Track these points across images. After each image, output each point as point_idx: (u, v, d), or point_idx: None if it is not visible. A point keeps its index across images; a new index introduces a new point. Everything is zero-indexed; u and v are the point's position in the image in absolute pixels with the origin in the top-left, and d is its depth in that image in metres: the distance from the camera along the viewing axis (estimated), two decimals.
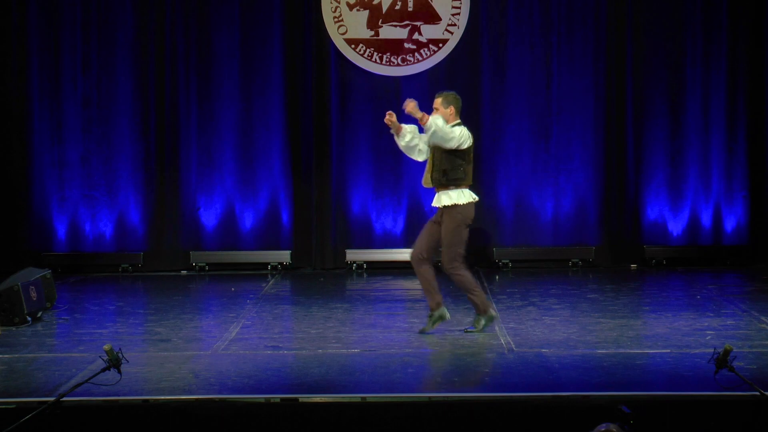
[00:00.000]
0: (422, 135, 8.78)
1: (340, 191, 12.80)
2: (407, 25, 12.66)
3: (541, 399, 6.62)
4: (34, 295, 9.35)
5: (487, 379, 7.24)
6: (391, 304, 10.46)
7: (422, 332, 8.66)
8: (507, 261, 12.74)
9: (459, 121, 8.65)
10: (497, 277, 12.10)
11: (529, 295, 10.64)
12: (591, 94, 12.78)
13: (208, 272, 12.63)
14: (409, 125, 8.82)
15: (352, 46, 12.64)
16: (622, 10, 12.71)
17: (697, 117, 12.79)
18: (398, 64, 12.66)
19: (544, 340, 8.40)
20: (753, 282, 11.60)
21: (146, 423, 6.49)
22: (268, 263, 12.68)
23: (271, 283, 11.84)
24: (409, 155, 8.97)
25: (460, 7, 12.64)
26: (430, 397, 6.72)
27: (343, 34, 12.63)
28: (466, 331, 8.65)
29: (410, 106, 8.51)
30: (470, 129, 8.73)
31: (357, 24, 12.62)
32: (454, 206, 8.56)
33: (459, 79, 12.67)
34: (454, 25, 12.65)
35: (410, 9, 12.65)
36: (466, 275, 8.60)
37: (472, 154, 8.71)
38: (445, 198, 8.58)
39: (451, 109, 8.61)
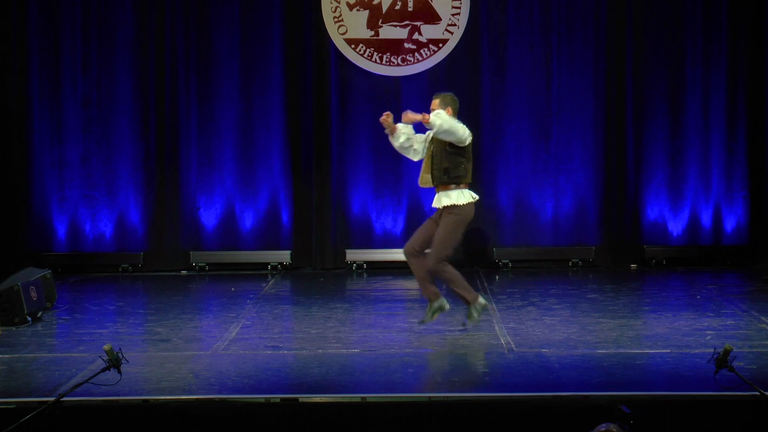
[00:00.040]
0: (417, 135, 8.81)
1: (340, 191, 12.81)
2: (407, 25, 12.66)
3: (541, 399, 6.62)
4: (34, 295, 9.35)
5: (487, 379, 7.25)
6: (391, 304, 10.46)
7: (421, 323, 8.68)
8: (507, 261, 12.74)
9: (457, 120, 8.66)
10: (497, 277, 12.10)
11: (529, 295, 10.64)
12: (591, 94, 12.78)
13: (208, 272, 12.63)
14: (404, 125, 8.83)
15: (352, 46, 12.64)
16: (622, 10, 12.71)
17: (697, 117, 12.79)
18: (398, 64, 12.66)
19: (544, 340, 8.40)
20: (753, 282, 11.60)
21: (146, 423, 6.49)
22: (268, 263, 12.69)
23: (271, 283, 11.84)
24: (404, 155, 8.99)
25: (460, 7, 12.64)
26: (430, 397, 6.72)
27: (343, 34, 12.64)
28: (464, 325, 8.66)
29: (407, 117, 8.54)
30: (470, 129, 8.74)
31: (357, 24, 12.62)
32: (454, 206, 8.57)
33: (459, 79, 12.68)
34: (454, 25, 12.65)
35: (410, 9, 12.65)
36: (450, 270, 8.63)
37: (471, 152, 8.72)
38: (445, 199, 8.58)
39: (449, 111, 8.62)
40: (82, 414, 6.46)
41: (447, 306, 8.71)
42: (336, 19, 12.62)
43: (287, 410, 6.56)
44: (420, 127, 8.81)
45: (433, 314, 8.68)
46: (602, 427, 5.14)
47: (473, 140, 8.81)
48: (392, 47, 12.65)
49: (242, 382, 7.06)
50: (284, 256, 12.70)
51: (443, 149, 8.57)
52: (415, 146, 8.82)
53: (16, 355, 8.00)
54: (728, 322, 9.11)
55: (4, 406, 6.44)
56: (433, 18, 12.65)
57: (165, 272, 12.61)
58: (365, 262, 12.72)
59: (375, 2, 12.64)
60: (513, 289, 11.16)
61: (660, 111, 12.80)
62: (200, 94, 12.72)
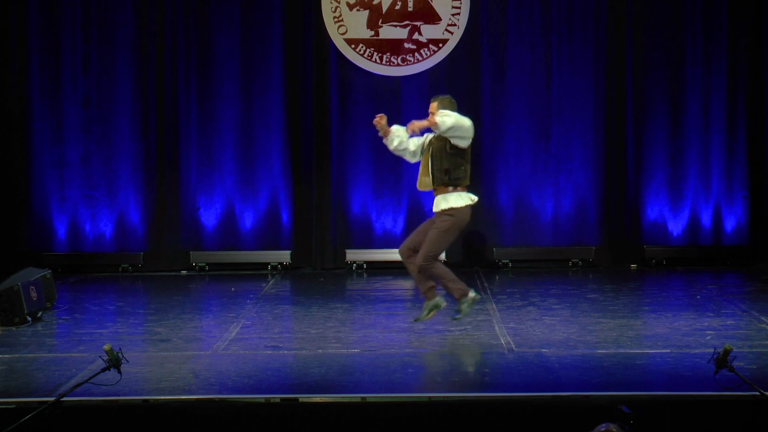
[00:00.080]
0: (413, 139, 8.81)
1: (340, 191, 12.81)
2: (407, 25, 12.66)
3: (541, 399, 6.62)
4: (34, 295, 9.35)
5: (487, 379, 7.24)
6: (391, 304, 10.46)
7: (417, 320, 8.70)
8: (507, 261, 12.74)
9: None
10: (497, 277, 12.10)
11: (529, 295, 10.64)
12: (591, 94, 12.78)
13: (208, 272, 12.63)
14: (399, 128, 8.85)
15: (352, 46, 12.64)
16: (622, 10, 12.71)
17: (697, 117, 12.79)
18: (398, 64, 12.66)
19: (544, 340, 8.40)
20: (753, 282, 11.60)
21: (146, 423, 6.50)
22: (268, 263, 12.69)
23: (271, 283, 11.84)
24: (402, 157, 9.01)
25: (460, 7, 12.64)
26: (430, 397, 6.72)
27: (343, 34, 12.63)
28: (454, 319, 8.66)
29: (414, 126, 8.55)
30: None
31: (357, 24, 12.62)
32: (451, 209, 8.57)
33: (459, 79, 12.68)
34: (454, 25, 12.65)
35: (410, 9, 12.65)
36: (439, 266, 8.65)
37: (470, 155, 8.72)
38: (443, 203, 8.59)
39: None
40: (82, 414, 6.46)
41: (443, 304, 8.72)
42: (336, 19, 12.62)
43: (287, 410, 6.56)
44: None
45: (429, 312, 8.69)
46: (602, 427, 5.14)
47: (473, 140, 8.81)
48: (392, 47, 12.65)
49: (242, 382, 7.06)
50: (284, 256, 12.70)
51: (443, 150, 8.57)
52: (411, 148, 8.83)
53: (16, 355, 8.01)
54: (728, 322, 9.11)
55: (4, 406, 6.44)
56: (433, 18, 12.65)
57: (165, 272, 12.61)
58: (365, 262, 12.72)
59: (375, 2, 12.64)
60: (513, 289, 11.16)
61: (660, 111, 12.80)
62: (200, 94, 12.72)
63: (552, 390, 6.79)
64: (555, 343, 8.23)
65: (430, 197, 9.01)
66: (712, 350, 6.48)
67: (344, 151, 12.80)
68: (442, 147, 8.57)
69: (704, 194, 12.81)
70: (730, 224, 12.82)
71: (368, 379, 7.27)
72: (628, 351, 8.00)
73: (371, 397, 6.64)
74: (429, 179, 8.66)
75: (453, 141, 8.52)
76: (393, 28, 12.65)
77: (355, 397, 6.66)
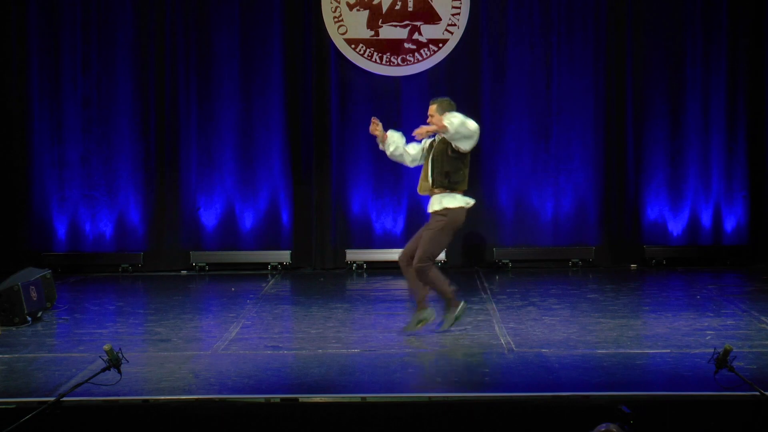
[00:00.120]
0: (411, 144, 8.80)
1: (340, 191, 12.80)
2: (407, 25, 12.66)
3: (541, 399, 6.62)
4: (34, 295, 9.35)
5: (487, 379, 7.24)
6: (391, 304, 10.45)
7: (405, 329, 8.65)
8: (507, 261, 12.74)
9: None
10: (497, 277, 12.10)
11: (529, 295, 10.64)
12: (591, 94, 12.78)
13: (208, 272, 12.63)
14: (394, 133, 8.84)
15: (352, 46, 12.64)
16: (622, 10, 12.71)
17: (697, 117, 12.79)
18: (398, 64, 12.66)
19: (544, 340, 8.40)
20: (753, 282, 11.60)
21: (146, 423, 6.49)
22: (268, 263, 12.69)
23: (271, 283, 11.84)
24: (399, 162, 8.99)
25: (460, 7, 12.64)
26: (430, 397, 6.72)
27: (343, 34, 12.63)
28: (442, 329, 8.63)
29: (422, 131, 8.54)
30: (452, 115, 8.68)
31: (357, 24, 12.62)
32: (445, 209, 8.55)
33: (459, 79, 12.68)
34: (454, 25, 12.65)
35: (410, 9, 12.65)
36: (435, 272, 8.60)
37: (469, 160, 8.71)
38: (437, 204, 8.59)
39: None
40: (82, 414, 6.46)
41: (432, 317, 8.65)
42: (336, 19, 12.62)
43: (287, 410, 6.56)
44: (410, 133, 8.85)
45: (417, 323, 8.64)
46: (602, 427, 5.14)
47: None
48: (392, 47, 12.65)
49: (242, 382, 7.06)
50: (284, 256, 12.70)
51: (445, 153, 8.56)
52: (411, 152, 8.82)
53: (16, 355, 8.00)
54: (728, 322, 9.11)
55: (4, 406, 6.44)
56: (433, 18, 12.65)
57: (165, 272, 12.61)
58: (365, 262, 12.72)
59: (375, 2, 12.64)
60: (513, 289, 11.16)
61: (660, 111, 12.80)
62: (200, 94, 12.72)
63: (552, 390, 6.79)
64: (555, 343, 8.23)
65: (428, 199, 9.00)
66: (712, 350, 6.48)
67: (344, 151, 12.80)
68: (443, 150, 8.57)
69: (704, 194, 12.81)
70: (730, 224, 12.82)
71: (368, 379, 7.27)
72: (628, 351, 8.00)
73: (371, 397, 6.64)
74: (430, 182, 8.64)
75: (457, 144, 8.49)
76: (393, 28, 12.65)
77: (355, 397, 6.65)
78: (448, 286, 8.66)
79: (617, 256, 12.84)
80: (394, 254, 12.32)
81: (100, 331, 9.04)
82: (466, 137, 8.50)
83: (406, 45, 12.65)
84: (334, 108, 12.73)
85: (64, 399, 6.36)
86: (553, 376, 7.22)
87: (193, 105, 12.72)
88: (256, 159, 12.78)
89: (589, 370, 7.41)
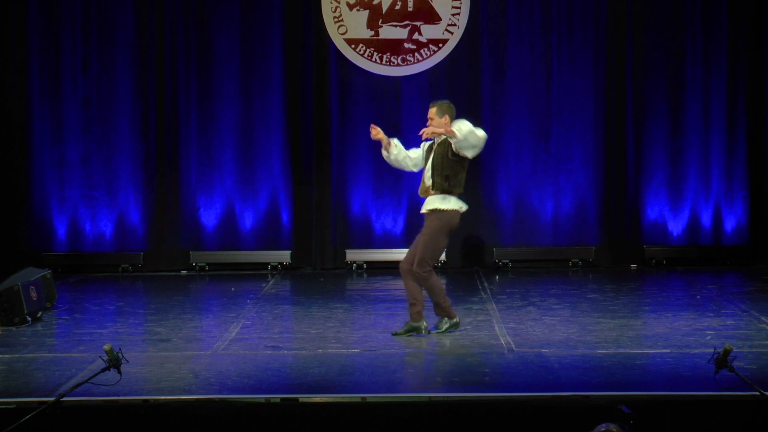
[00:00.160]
0: (413, 149, 8.80)
1: (340, 191, 12.81)
2: (407, 25, 12.66)
3: (541, 399, 6.62)
4: (34, 295, 9.35)
5: (487, 379, 7.24)
6: (391, 304, 10.45)
7: (394, 335, 8.60)
8: (507, 261, 12.74)
9: None
10: (497, 277, 12.10)
11: (529, 295, 10.64)
12: (591, 94, 12.79)
13: (208, 272, 12.63)
14: (395, 139, 8.84)
15: (352, 46, 12.64)
16: (622, 10, 12.71)
17: (697, 117, 12.79)
18: (398, 64, 12.66)
19: (544, 340, 8.40)
20: (753, 282, 11.60)
21: (146, 423, 6.49)
22: (268, 263, 12.69)
23: (271, 283, 11.84)
24: (401, 168, 8.98)
25: (460, 7, 12.64)
26: (430, 397, 6.71)
27: (343, 34, 12.63)
28: (429, 332, 8.61)
29: (428, 131, 8.53)
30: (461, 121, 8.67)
31: (357, 24, 12.62)
32: (438, 211, 8.54)
33: (459, 79, 12.68)
34: (454, 25, 12.65)
35: (410, 9, 12.65)
36: (435, 282, 8.56)
37: (468, 164, 8.69)
38: (429, 205, 8.58)
39: (446, 119, 8.58)
40: (82, 414, 6.45)
41: (424, 329, 8.61)
42: (336, 19, 12.62)
43: (287, 410, 6.56)
44: (416, 142, 8.84)
45: (408, 332, 8.61)
46: (602, 427, 5.14)
47: None
48: (392, 47, 12.65)
49: (242, 382, 7.06)
50: (284, 256, 12.71)
51: (445, 157, 8.55)
52: (412, 155, 8.82)
53: (16, 355, 8.00)
54: (728, 322, 9.11)
55: (4, 406, 6.44)
56: (433, 18, 12.65)
57: (165, 272, 12.62)
58: (365, 262, 12.72)
59: (375, 2, 12.64)
60: (513, 289, 11.16)
61: (660, 111, 12.80)
62: (200, 94, 12.72)
63: (552, 390, 6.78)
64: (555, 343, 8.23)
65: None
66: (712, 350, 6.47)
67: (344, 151, 12.80)
68: (443, 153, 8.56)
69: (704, 194, 12.82)
70: (730, 224, 12.82)
71: (368, 379, 7.27)
72: (628, 351, 8.00)
73: (371, 397, 6.64)
74: (429, 184, 8.63)
75: (464, 152, 8.48)
76: (393, 28, 12.65)
77: (355, 397, 6.65)
78: (445, 299, 8.64)
79: (617, 256, 12.84)
80: (394, 254, 12.40)
81: (100, 331, 9.04)
82: (473, 146, 8.49)
83: (406, 45, 12.65)
84: (334, 108, 12.73)
85: (64, 399, 6.36)
86: (553, 376, 7.22)
87: (193, 105, 12.72)
88: (256, 159, 12.78)
89: (589, 370, 7.41)
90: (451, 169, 8.55)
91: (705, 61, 12.76)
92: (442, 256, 12.04)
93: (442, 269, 12.45)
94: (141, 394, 6.71)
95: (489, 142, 12.51)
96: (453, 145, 8.45)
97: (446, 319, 8.63)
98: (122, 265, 12.68)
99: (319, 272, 12.64)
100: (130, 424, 6.49)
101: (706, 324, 9.00)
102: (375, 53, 12.64)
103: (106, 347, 6.40)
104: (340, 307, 10.09)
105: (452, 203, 8.57)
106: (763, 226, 12.77)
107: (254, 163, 12.78)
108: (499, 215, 12.82)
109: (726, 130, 12.80)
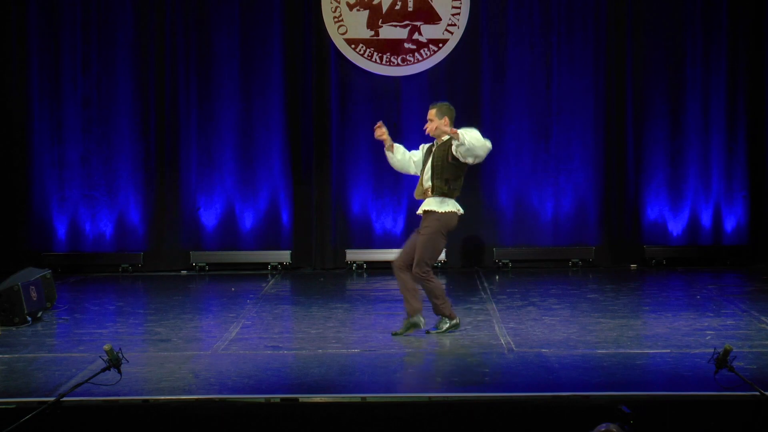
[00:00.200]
0: (414, 151, 8.80)
1: (340, 191, 12.81)
2: (407, 25, 12.66)
3: (541, 399, 6.62)
4: (34, 295, 9.35)
5: (487, 379, 7.24)
6: (391, 304, 10.44)
7: (395, 335, 8.61)
8: (507, 261, 12.74)
9: None
10: (497, 277, 12.10)
11: (529, 295, 10.64)
12: (591, 94, 12.79)
13: (208, 272, 12.63)
14: (398, 144, 8.85)
15: (352, 46, 12.64)
16: (622, 10, 12.71)
17: (697, 117, 12.79)
18: (398, 64, 12.66)
19: (544, 340, 8.40)
20: (753, 282, 11.60)
21: (146, 423, 6.49)
22: (268, 263, 12.69)
23: (271, 283, 11.84)
24: (404, 171, 8.97)
25: (460, 7, 12.64)
26: (430, 397, 6.71)
27: (343, 34, 12.63)
28: (428, 332, 8.61)
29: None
30: (469, 128, 8.68)
31: (357, 24, 12.62)
32: (434, 212, 8.54)
33: (459, 79, 12.68)
34: (454, 25, 12.65)
35: (410, 9, 12.65)
36: (435, 282, 8.57)
37: (466, 168, 8.70)
38: (426, 206, 8.58)
39: (446, 120, 8.58)
40: (82, 414, 6.45)
41: (422, 324, 8.61)
42: (336, 19, 12.62)
43: (287, 410, 6.56)
44: (416, 142, 8.84)
45: (407, 329, 8.62)
46: (602, 427, 5.14)
47: None
48: (392, 47, 12.65)
49: (242, 382, 7.06)
50: (284, 256, 12.71)
51: (444, 160, 8.55)
52: (414, 159, 8.82)
53: (16, 355, 8.00)
54: (728, 322, 9.11)
55: (4, 406, 6.44)
56: (433, 18, 12.65)
57: (165, 272, 12.62)
58: (365, 262, 12.72)
59: (375, 2, 12.64)
60: (513, 289, 11.16)
61: (660, 111, 12.80)
62: (200, 94, 12.72)
63: (552, 390, 6.78)
64: (555, 343, 8.23)
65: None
66: (712, 350, 6.47)
67: (344, 151, 12.80)
68: (443, 157, 8.55)
69: (704, 194, 12.82)
70: (730, 224, 12.82)
71: (368, 379, 7.27)
72: (628, 351, 8.00)
73: (371, 397, 6.64)
74: (428, 187, 8.61)
75: (466, 158, 8.48)
76: (393, 28, 12.65)
77: (355, 397, 6.65)
78: (445, 299, 8.64)
79: (617, 256, 12.84)
80: (394, 254, 12.22)
81: (100, 331, 9.04)
82: (475, 154, 8.48)
83: (406, 45, 12.65)
84: (334, 108, 12.73)
85: (64, 399, 6.36)
86: (553, 376, 7.22)
87: (193, 105, 12.72)
88: (256, 159, 12.78)
89: (589, 370, 7.41)
90: (450, 172, 8.55)
91: (705, 61, 12.77)
92: (442, 256, 12.04)
93: (442, 269, 12.45)
94: (141, 394, 6.71)
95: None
96: (454, 148, 8.44)
97: (446, 319, 8.64)
98: (122, 265, 12.68)
99: (319, 272, 12.64)
100: (130, 424, 6.49)
101: (706, 324, 9.00)
102: (375, 53, 12.64)
103: (106, 347, 6.40)
104: (340, 307, 10.09)
105: (451, 206, 8.57)
106: (763, 226, 12.77)
107: (254, 163, 12.78)
108: (499, 215, 12.82)
109: (726, 130, 12.80)
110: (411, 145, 8.94)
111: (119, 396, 6.56)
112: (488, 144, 8.50)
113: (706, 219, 12.82)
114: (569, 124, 12.79)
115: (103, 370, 6.43)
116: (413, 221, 12.36)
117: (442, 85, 12.51)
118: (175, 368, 7.46)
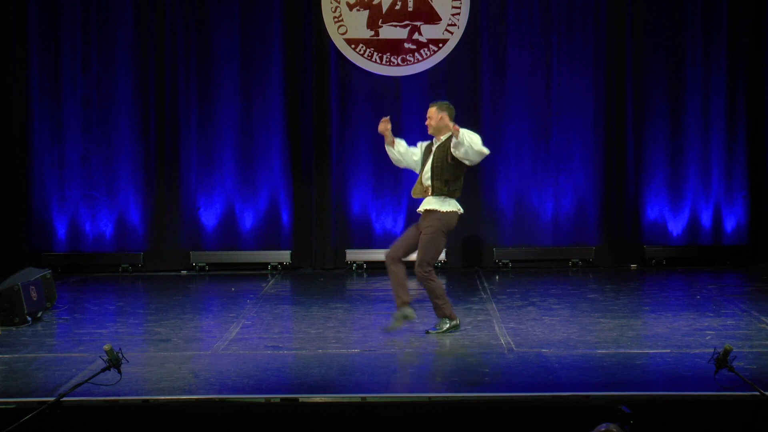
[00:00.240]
0: (412, 147, 8.79)
1: (340, 191, 12.81)
2: (407, 25, 12.66)
3: (541, 399, 6.62)
4: (34, 295, 9.35)
5: (487, 379, 7.24)
6: (391, 304, 10.36)
7: (387, 330, 8.63)
8: (507, 261, 12.74)
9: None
10: (497, 277, 12.10)
11: (529, 295, 10.64)
12: (591, 94, 12.79)
13: (208, 272, 12.63)
14: (399, 139, 8.85)
15: (352, 46, 12.64)
16: (622, 10, 12.71)
17: (697, 117, 12.79)
18: (398, 64, 12.66)
19: (544, 340, 8.40)
20: (753, 282, 11.61)
21: (146, 423, 6.49)
22: (268, 263, 12.69)
23: (271, 283, 11.84)
24: (404, 167, 8.97)
25: (460, 7, 12.64)
26: (430, 397, 6.71)
27: (343, 34, 12.64)
28: (428, 332, 8.62)
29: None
30: (470, 129, 8.70)
31: (357, 24, 12.62)
32: (436, 212, 8.55)
33: (459, 79, 12.68)
34: (454, 25, 12.65)
35: (410, 9, 12.65)
36: (436, 282, 8.58)
37: (466, 168, 8.71)
38: (428, 205, 8.58)
39: (445, 119, 8.59)
40: (82, 414, 6.46)
41: (413, 315, 8.62)
42: (336, 19, 12.62)
43: (287, 410, 6.56)
44: (413, 141, 8.84)
45: (398, 321, 8.63)
46: (602, 427, 5.14)
47: None
48: (392, 47, 12.65)
49: (242, 382, 7.06)
50: (284, 256, 12.71)
51: (444, 161, 8.55)
52: (414, 158, 8.82)
53: (16, 355, 8.00)
54: (728, 322, 9.11)
55: (4, 406, 6.44)
56: (433, 18, 12.65)
57: (165, 272, 12.62)
58: (365, 262, 12.72)
59: (375, 2, 12.64)
60: (513, 289, 11.16)
61: (660, 111, 12.80)
62: (200, 94, 12.72)
63: (552, 390, 6.79)
64: (555, 343, 8.23)
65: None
66: (712, 350, 6.48)
67: (344, 151, 12.81)
68: (443, 158, 8.56)
69: (704, 194, 12.82)
70: (730, 224, 12.82)
71: (368, 379, 7.27)
72: (628, 351, 8.00)
73: (371, 397, 6.64)
74: (427, 187, 8.61)
75: (460, 157, 8.49)
76: (393, 28, 12.65)
77: (355, 397, 6.65)
78: (446, 300, 8.64)
79: (617, 256, 12.84)
80: None
81: (100, 331, 9.04)
82: (470, 159, 8.49)
83: (406, 45, 12.65)
84: (334, 108, 12.73)
85: (64, 399, 6.36)
86: (553, 376, 7.22)
87: (193, 105, 12.72)
88: (256, 159, 12.78)
89: (589, 370, 7.41)
90: (450, 173, 8.56)
91: (705, 61, 12.77)
92: (441, 256, 12.04)
93: (442, 269, 12.45)
94: (141, 394, 6.72)
95: (489, 143, 12.55)
96: (452, 146, 8.45)
97: (446, 319, 8.64)
98: (122, 265, 12.68)
99: (319, 272, 12.64)
100: (130, 424, 6.49)
101: (706, 324, 9.00)
102: (375, 53, 12.64)
103: (106, 347, 6.40)
104: (340, 307, 10.09)
105: (452, 205, 8.59)
106: (763, 226, 12.77)
107: (254, 163, 12.78)
108: (499, 215, 12.82)
109: (726, 130, 12.80)
110: (411, 145, 8.94)
111: (119, 396, 6.56)
112: (485, 150, 8.52)
113: (706, 219, 12.82)
114: (569, 124, 12.79)
115: (103, 370, 6.43)
116: (413, 221, 12.33)
117: (442, 85, 12.51)
118: (175, 368, 7.46)
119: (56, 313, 9.82)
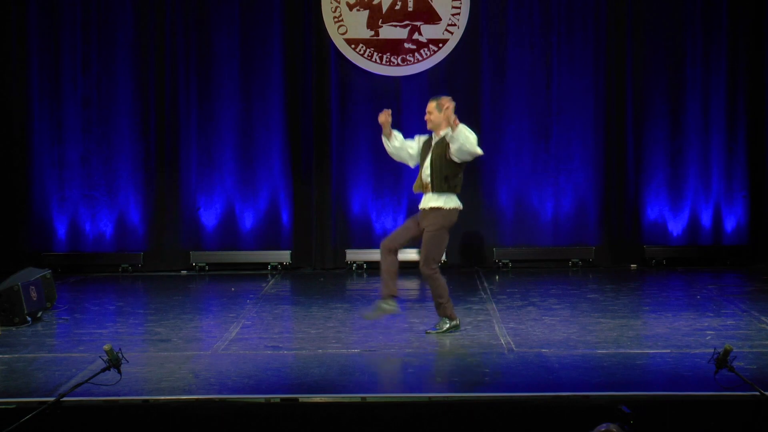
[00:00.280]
0: (408, 141, 8.78)
1: (340, 191, 12.81)
2: (407, 25, 12.66)
3: (541, 399, 6.62)
4: (34, 295, 9.35)
5: (487, 379, 7.24)
6: None
7: (365, 317, 8.66)
8: (507, 261, 12.74)
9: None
10: (497, 277, 12.10)
11: (529, 295, 10.64)
12: (591, 94, 12.79)
13: (208, 272, 12.63)
14: (396, 131, 8.84)
15: (352, 46, 12.64)
16: (622, 10, 12.71)
17: (697, 117, 12.79)
18: (398, 64, 12.67)
19: (544, 340, 8.40)
20: (753, 282, 11.61)
21: (146, 423, 6.49)
22: (268, 263, 12.69)
23: (271, 283, 11.84)
24: (400, 161, 8.97)
25: (460, 7, 12.64)
26: (430, 397, 6.72)
27: (343, 34, 12.64)
28: (428, 332, 8.62)
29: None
30: (470, 129, 8.70)
31: (357, 24, 12.62)
32: (440, 209, 8.56)
33: (459, 79, 12.68)
34: (454, 25, 12.66)
35: (410, 9, 12.65)
36: (440, 281, 8.59)
37: (465, 165, 8.71)
38: (432, 202, 8.58)
39: (451, 108, 8.60)
40: (82, 414, 6.46)
41: (396, 309, 8.62)
42: (336, 19, 12.62)
43: (287, 410, 6.56)
44: (409, 133, 8.84)
45: (376, 311, 8.63)
46: (602, 427, 5.14)
47: None
48: (392, 47, 12.65)
49: (242, 382, 7.06)
50: (284, 256, 12.71)
51: (443, 158, 8.56)
52: (410, 151, 8.81)
53: (16, 355, 8.00)
54: (728, 322, 9.11)
55: (4, 406, 6.44)
56: (433, 18, 12.65)
57: (165, 272, 12.62)
58: (365, 262, 12.71)
59: (375, 2, 12.64)
60: (513, 289, 11.16)
61: (660, 111, 12.80)
62: (200, 94, 12.72)
63: (552, 390, 6.79)
64: (555, 343, 8.23)
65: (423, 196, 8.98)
66: (712, 350, 6.48)
67: (344, 151, 12.81)
68: (442, 154, 8.56)
69: (704, 194, 12.82)
70: (730, 224, 12.82)
71: (368, 379, 7.27)
72: (628, 351, 8.00)
73: (371, 397, 6.64)
74: (427, 183, 8.62)
75: (453, 153, 8.49)
76: (393, 28, 12.65)
77: (355, 397, 6.65)
78: (448, 299, 8.64)
79: (617, 256, 12.84)
80: None
81: (100, 331, 9.04)
82: (461, 157, 8.49)
83: (406, 45, 12.65)
84: (334, 108, 12.73)
85: (64, 399, 6.36)
86: (553, 376, 7.22)
87: (193, 105, 12.72)
88: (256, 159, 12.78)
89: (589, 370, 7.41)
90: (449, 170, 8.56)
91: (705, 61, 12.77)
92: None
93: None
94: (141, 394, 6.72)
95: (489, 143, 12.66)
96: (447, 139, 8.45)
97: (446, 319, 8.64)
98: (122, 265, 12.68)
99: (319, 272, 12.64)
100: (130, 424, 6.49)
101: (706, 324, 9.00)
102: (375, 53, 12.64)
103: (106, 347, 6.40)
104: (340, 307, 10.09)
105: (454, 202, 8.60)
106: (763, 226, 12.77)
107: (254, 163, 12.78)
108: (499, 215, 12.82)
109: (726, 130, 12.80)
110: (408, 138, 8.92)
111: (119, 396, 6.56)
112: (478, 151, 8.53)
113: (706, 219, 12.82)
114: (569, 124, 12.79)
115: (103, 370, 6.43)
116: None
117: (442, 85, 12.50)
118: (175, 368, 7.46)
119: (56, 313, 9.82)
